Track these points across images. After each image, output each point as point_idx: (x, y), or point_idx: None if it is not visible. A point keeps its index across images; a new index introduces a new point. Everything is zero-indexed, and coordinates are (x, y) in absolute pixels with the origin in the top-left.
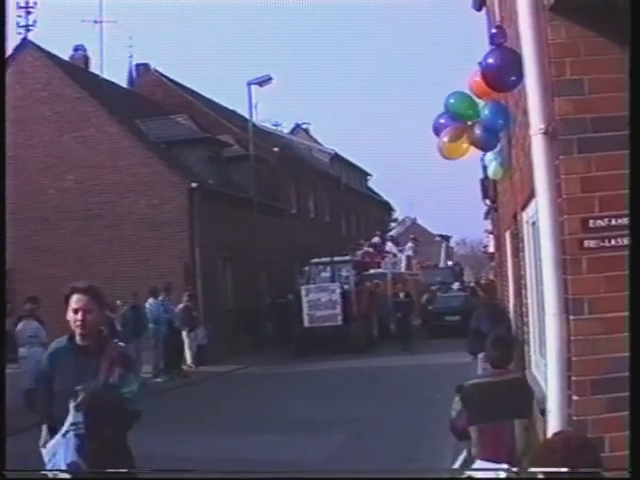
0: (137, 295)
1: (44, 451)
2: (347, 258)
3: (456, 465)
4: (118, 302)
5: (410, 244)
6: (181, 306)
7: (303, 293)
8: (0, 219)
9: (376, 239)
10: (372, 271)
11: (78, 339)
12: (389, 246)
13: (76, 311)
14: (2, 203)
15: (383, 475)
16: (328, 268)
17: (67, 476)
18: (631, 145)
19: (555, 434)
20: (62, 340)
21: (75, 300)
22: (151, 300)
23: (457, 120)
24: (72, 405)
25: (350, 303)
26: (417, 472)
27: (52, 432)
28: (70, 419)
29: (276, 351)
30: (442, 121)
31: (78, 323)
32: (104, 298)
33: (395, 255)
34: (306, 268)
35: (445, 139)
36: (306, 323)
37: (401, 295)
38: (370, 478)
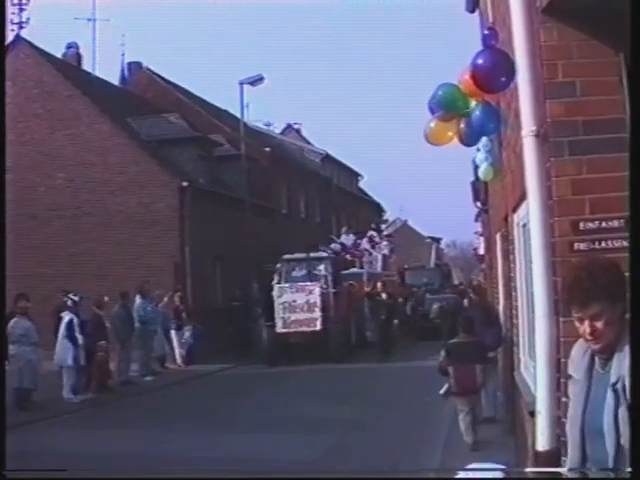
0: (127, 295)
1: None
2: (324, 255)
3: (441, 391)
4: (106, 298)
5: (385, 242)
6: (171, 305)
7: (276, 293)
8: (0, 220)
9: (343, 236)
10: (346, 271)
11: None
12: (363, 243)
13: None
14: (2, 204)
15: (375, 475)
16: (303, 265)
17: (67, 476)
18: (631, 147)
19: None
20: None
21: None
22: (138, 300)
23: (446, 111)
24: None
25: (328, 305)
26: (410, 472)
27: None
28: None
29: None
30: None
31: None
32: None
33: (370, 254)
34: (278, 265)
35: (432, 124)
36: (279, 328)
37: (383, 296)
38: (362, 478)
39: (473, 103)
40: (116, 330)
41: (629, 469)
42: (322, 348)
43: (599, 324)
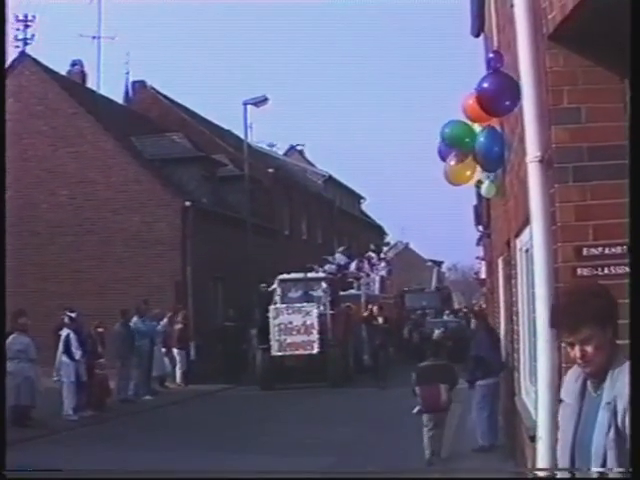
0: (127, 313)
1: None
2: (321, 275)
3: (414, 411)
4: (100, 329)
5: (383, 264)
6: (174, 323)
7: (271, 315)
8: (0, 231)
9: (338, 256)
10: (344, 292)
11: None
12: (353, 265)
13: None
14: (2, 215)
15: (382, 475)
16: (300, 286)
17: (67, 476)
18: (630, 172)
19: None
20: None
21: None
22: (135, 318)
23: (454, 149)
24: None
25: (326, 328)
26: (414, 472)
27: None
28: None
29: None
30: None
31: None
32: None
33: (368, 275)
34: (274, 285)
35: (452, 162)
36: (274, 351)
37: (380, 320)
38: (369, 478)
39: (478, 128)
40: (117, 348)
41: (629, 469)
42: (319, 372)
43: (589, 348)
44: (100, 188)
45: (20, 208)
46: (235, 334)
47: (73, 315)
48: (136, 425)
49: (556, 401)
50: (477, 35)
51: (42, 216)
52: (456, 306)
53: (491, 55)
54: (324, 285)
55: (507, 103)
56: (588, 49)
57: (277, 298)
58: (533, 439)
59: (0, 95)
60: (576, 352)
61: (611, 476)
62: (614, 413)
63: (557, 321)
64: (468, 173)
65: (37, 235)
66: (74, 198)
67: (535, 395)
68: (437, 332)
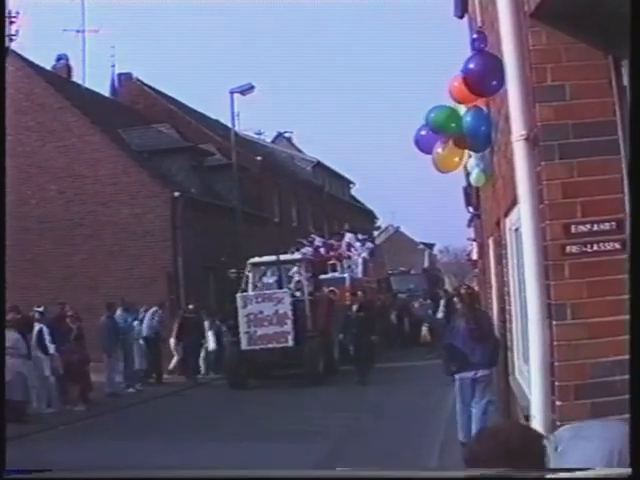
0: (113, 306)
1: None
2: (298, 257)
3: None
4: (68, 320)
5: (366, 245)
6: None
7: (240, 304)
8: (0, 229)
9: (315, 237)
10: (325, 275)
11: None
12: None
13: None
14: (2, 214)
15: (375, 474)
16: (273, 270)
17: (67, 476)
18: (631, 149)
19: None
20: None
21: None
22: (119, 312)
23: (439, 134)
24: None
25: (304, 317)
26: (411, 470)
27: None
28: None
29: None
30: (423, 133)
31: None
32: None
33: (350, 257)
34: (247, 270)
35: (439, 150)
36: (244, 345)
37: (354, 308)
38: (362, 477)
39: (464, 109)
40: (103, 341)
41: (629, 469)
42: (297, 367)
43: None
44: (89, 182)
45: (9, 204)
46: (195, 327)
47: (41, 309)
48: (132, 418)
49: (549, 379)
50: (461, 16)
51: (32, 211)
52: (448, 288)
53: (475, 36)
54: (300, 268)
55: (494, 83)
56: (570, 26)
57: (249, 285)
58: (527, 418)
59: (0, 96)
60: None
61: (611, 476)
62: None
63: None
64: (456, 159)
65: (27, 230)
66: (63, 192)
67: (528, 374)
68: (424, 329)
